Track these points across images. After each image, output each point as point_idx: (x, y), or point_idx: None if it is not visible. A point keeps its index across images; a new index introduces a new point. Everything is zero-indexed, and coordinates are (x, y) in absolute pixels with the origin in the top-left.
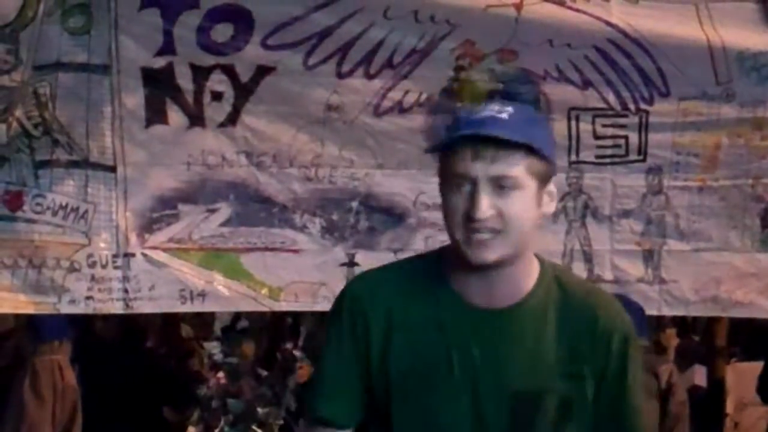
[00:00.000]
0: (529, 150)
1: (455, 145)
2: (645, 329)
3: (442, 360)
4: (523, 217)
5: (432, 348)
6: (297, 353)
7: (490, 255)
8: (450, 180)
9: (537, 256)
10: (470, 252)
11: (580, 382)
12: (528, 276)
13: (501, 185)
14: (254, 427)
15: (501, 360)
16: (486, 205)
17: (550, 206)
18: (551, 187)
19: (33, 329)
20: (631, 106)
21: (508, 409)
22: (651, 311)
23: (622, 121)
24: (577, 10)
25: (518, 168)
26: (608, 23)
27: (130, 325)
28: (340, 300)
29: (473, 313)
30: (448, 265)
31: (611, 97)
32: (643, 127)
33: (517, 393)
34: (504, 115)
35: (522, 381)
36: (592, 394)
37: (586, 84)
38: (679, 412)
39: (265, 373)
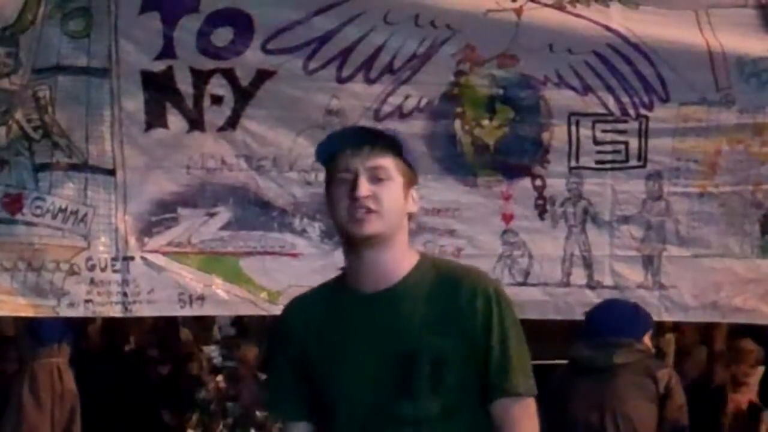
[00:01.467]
0: (396, 154)
1: (338, 151)
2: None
3: (344, 341)
4: (394, 202)
5: (336, 334)
6: None
7: (368, 228)
8: (334, 178)
9: (420, 252)
10: (353, 227)
11: (448, 339)
12: (404, 263)
13: (377, 176)
14: (253, 431)
15: (384, 330)
16: (365, 187)
17: (414, 207)
18: (414, 192)
19: (32, 333)
20: (631, 112)
21: (393, 370)
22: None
23: (621, 126)
24: (578, 15)
25: (389, 162)
26: (608, 28)
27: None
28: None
29: (361, 297)
30: (347, 268)
31: (611, 103)
32: (643, 133)
33: (398, 355)
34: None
35: (401, 344)
36: (464, 350)
37: (586, 89)
38: (677, 417)
39: (264, 376)
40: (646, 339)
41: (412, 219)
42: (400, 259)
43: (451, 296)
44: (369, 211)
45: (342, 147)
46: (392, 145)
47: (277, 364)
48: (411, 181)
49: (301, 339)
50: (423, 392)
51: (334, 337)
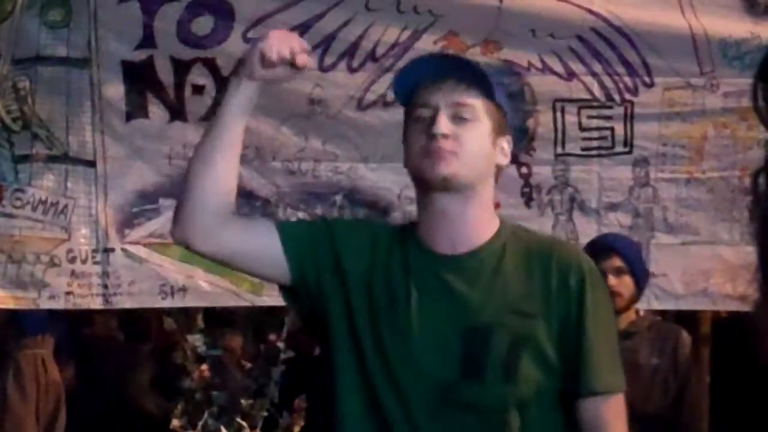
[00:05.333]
0: (486, 94)
1: (418, 84)
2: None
3: (402, 298)
4: (478, 146)
5: (397, 287)
6: (281, 345)
7: (445, 167)
8: (411, 116)
9: (500, 217)
10: (426, 165)
11: (531, 320)
12: (486, 227)
13: (459, 116)
14: (238, 419)
15: (455, 299)
16: (444, 123)
17: (503, 159)
18: (505, 143)
19: (16, 324)
20: (616, 97)
21: (460, 343)
22: (640, 305)
23: (607, 112)
24: None
25: (475, 100)
26: (590, 11)
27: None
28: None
29: (435, 258)
30: (419, 221)
31: (596, 88)
32: (629, 118)
33: (469, 328)
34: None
35: (474, 317)
36: (546, 334)
37: (570, 75)
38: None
39: (248, 365)
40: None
41: (500, 173)
42: (481, 220)
43: (540, 271)
44: (447, 151)
45: (422, 79)
46: (482, 82)
47: (309, 230)
48: (501, 128)
49: (365, 259)
50: (494, 376)
51: (398, 292)
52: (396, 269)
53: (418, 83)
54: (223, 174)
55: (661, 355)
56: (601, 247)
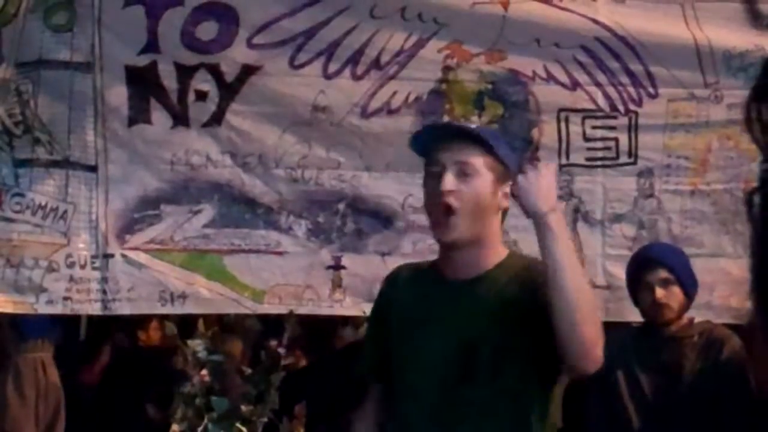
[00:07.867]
0: (487, 151)
1: (432, 145)
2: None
3: (423, 323)
4: (479, 196)
5: (417, 314)
6: (281, 351)
7: (449, 235)
8: (427, 171)
9: (511, 250)
10: (435, 232)
11: (510, 327)
12: (490, 258)
13: (463, 171)
14: (238, 425)
15: (457, 317)
16: (450, 180)
17: (505, 202)
18: (507, 188)
19: (16, 327)
20: (620, 107)
21: (456, 354)
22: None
23: (611, 122)
24: (564, 9)
25: (476, 158)
26: (595, 21)
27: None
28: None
29: (445, 283)
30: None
31: (600, 98)
32: (633, 129)
33: (461, 341)
34: (471, 125)
35: (465, 333)
36: (527, 336)
37: (575, 85)
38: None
39: (249, 370)
40: None
41: (506, 214)
42: (485, 256)
43: (517, 288)
44: (449, 211)
45: (434, 141)
46: (482, 141)
47: (370, 327)
48: (504, 176)
49: (386, 309)
50: (483, 379)
51: (415, 318)
52: (417, 296)
53: (432, 144)
54: None
55: (705, 362)
56: (645, 260)
